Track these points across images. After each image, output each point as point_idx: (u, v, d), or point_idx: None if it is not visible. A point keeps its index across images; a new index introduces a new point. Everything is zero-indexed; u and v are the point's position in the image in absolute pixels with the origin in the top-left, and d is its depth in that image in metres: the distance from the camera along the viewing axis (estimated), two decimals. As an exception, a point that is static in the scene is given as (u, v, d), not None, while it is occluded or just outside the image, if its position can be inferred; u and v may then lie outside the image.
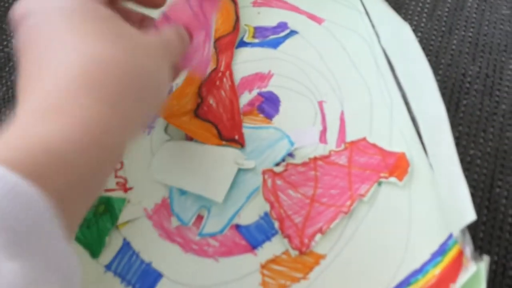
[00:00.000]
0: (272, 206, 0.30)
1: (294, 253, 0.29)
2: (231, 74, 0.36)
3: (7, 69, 0.39)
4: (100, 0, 0.23)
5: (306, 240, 0.29)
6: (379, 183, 0.30)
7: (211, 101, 0.35)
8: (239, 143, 0.33)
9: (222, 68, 0.36)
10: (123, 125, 0.20)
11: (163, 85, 0.24)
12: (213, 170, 0.32)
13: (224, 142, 0.33)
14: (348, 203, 0.30)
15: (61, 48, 0.20)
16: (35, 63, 0.21)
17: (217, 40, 0.37)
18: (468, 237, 0.25)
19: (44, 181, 0.16)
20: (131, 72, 0.21)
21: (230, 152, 0.32)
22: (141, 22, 0.29)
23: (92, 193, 0.20)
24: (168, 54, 0.24)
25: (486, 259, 0.23)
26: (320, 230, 0.29)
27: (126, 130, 0.21)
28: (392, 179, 0.30)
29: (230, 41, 0.37)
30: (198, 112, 0.35)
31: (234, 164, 0.32)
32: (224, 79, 0.36)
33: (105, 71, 0.20)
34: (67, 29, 0.20)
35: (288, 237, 0.29)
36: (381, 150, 0.32)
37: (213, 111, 0.35)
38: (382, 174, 0.31)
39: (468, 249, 0.25)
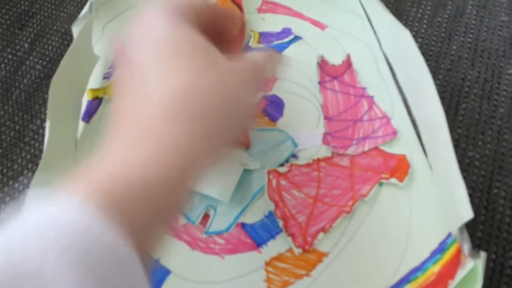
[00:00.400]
0: (276, 205, 0.31)
1: (297, 251, 0.30)
2: None
3: (19, 72, 0.40)
4: (193, 25, 0.23)
5: (309, 239, 0.30)
6: (380, 184, 0.31)
7: None
8: (245, 144, 0.34)
9: None
10: (208, 152, 0.21)
11: (250, 109, 0.24)
12: (218, 170, 0.33)
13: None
14: (350, 203, 0.31)
15: (152, 81, 0.21)
16: (128, 95, 0.21)
17: None
18: (466, 235, 0.26)
19: (127, 221, 0.17)
20: (219, 100, 0.21)
21: (235, 153, 0.33)
22: (233, 42, 0.29)
23: (166, 224, 0.20)
24: (255, 78, 0.24)
25: (483, 255, 0.24)
26: (323, 229, 0.30)
27: (210, 156, 0.21)
28: (393, 180, 0.31)
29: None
30: None
31: (239, 164, 0.33)
32: None
33: (193, 102, 0.20)
34: (159, 61, 0.21)
35: (292, 235, 0.30)
36: (383, 152, 0.32)
37: None
38: (383, 175, 0.31)
39: (466, 247, 0.25)
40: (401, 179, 0.31)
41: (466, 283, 0.25)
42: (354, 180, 0.32)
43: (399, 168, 0.32)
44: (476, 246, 0.29)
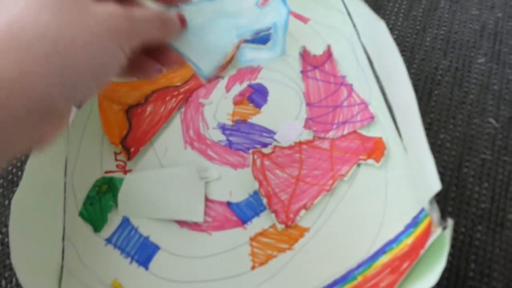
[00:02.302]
0: (260, 184, 0.33)
1: (280, 226, 0.31)
2: (183, 101, 0.38)
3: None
4: None
5: (291, 215, 0.32)
6: (358, 165, 0.33)
7: (149, 108, 0.37)
8: (128, 155, 0.35)
9: (182, 90, 0.38)
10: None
11: (98, 64, 0.21)
12: (182, 191, 0.33)
13: (119, 146, 0.35)
14: (330, 182, 0.33)
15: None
16: None
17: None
18: (435, 206, 0.28)
19: None
20: (58, 40, 0.19)
21: (191, 169, 0.33)
22: None
23: None
24: (123, 34, 0.22)
25: (450, 222, 0.26)
26: (304, 206, 0.32)
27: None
28: (370, 161, 0.33)
29: None
30: (131, 110, 0.37)
31: (199, 180, 0.33)
32: (174, 99, 0.37)
33: (31, 36, 0.19)
34: None
35: (275, 212, 0.32)
36: (361, 136, 0.34)
37: (142, 118, 0.36)
38: (361, 157, 0.33)
39: (435, 216, 0.27)
40: (377, 160, 0.33)
41: (435, 248, 0.26)
42: (334, 161, 0.34)
43: (376, 150, 0.34)
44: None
